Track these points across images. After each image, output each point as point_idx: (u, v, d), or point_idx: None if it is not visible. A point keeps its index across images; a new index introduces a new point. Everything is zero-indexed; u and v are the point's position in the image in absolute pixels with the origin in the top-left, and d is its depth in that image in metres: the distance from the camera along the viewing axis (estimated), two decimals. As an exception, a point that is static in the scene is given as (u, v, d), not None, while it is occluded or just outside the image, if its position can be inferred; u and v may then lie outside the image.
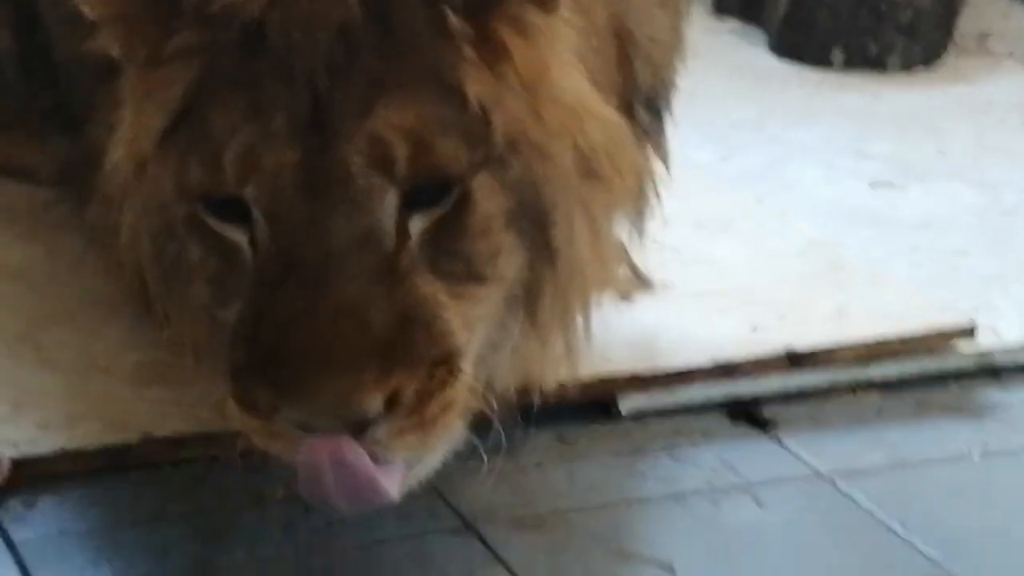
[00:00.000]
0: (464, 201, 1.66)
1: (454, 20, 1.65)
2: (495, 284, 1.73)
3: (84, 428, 1.95)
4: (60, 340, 2.13)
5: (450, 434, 1.71)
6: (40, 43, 2.45)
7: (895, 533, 1.91)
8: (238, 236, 1.67)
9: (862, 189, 2.83)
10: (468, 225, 1.67)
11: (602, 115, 1.79)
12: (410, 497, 1.81)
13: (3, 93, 2.61)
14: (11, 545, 1.80)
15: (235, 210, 1.67)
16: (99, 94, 2.12)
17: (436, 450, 1.72)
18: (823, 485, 2.00)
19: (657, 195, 2.03)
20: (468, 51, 1.66)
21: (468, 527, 1.88)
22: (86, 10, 1.72)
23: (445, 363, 1.65)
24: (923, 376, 2.25)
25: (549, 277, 1.77)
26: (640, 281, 2.26)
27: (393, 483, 1.66)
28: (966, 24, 3.62)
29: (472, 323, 1.71)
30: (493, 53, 1.68)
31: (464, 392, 1.69)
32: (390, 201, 1.64)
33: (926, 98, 3.32)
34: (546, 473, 1.99)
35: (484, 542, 1.85)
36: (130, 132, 1.77)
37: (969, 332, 2.27)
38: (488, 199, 1.68)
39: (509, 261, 1.73)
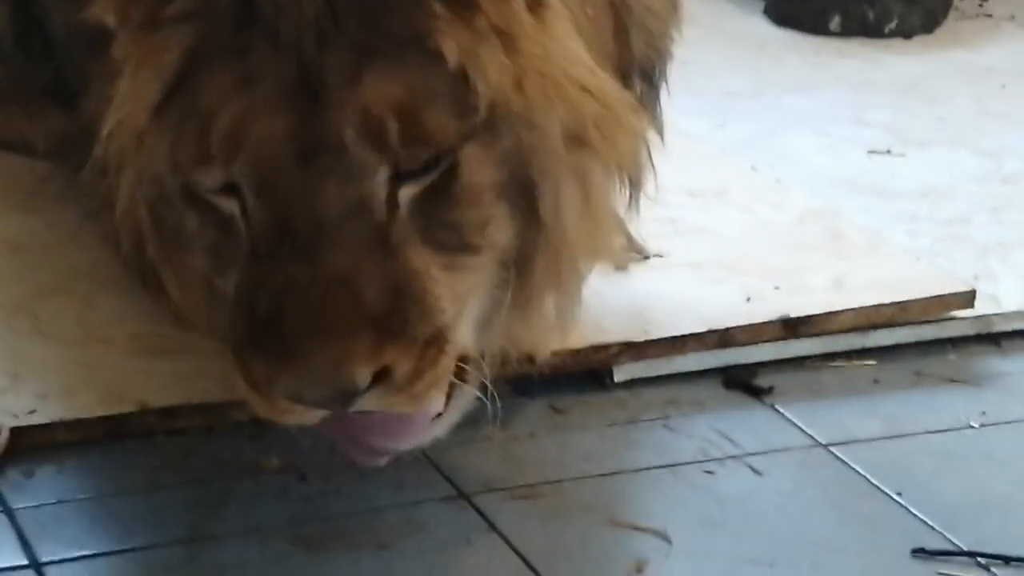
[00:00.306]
0: (453, 170, 1.67)
1: None
2: (486, 254, 1.73)
3: (82, 398, 1.95)
4: (57, 311, 2.14)
5: (466, 393, 1.76)
6: (35, 16, 2.45)
7: (894, 502, 1.92)
8: (232, 206, 1.68)
9: (860, 157, 2.82)
10: (457, 195, 1.68)
11: (594, 84, 1.78)
12: (403, 466, 1.85)
13: (4, 65, 2.61)
14: (10, 514, 1.81)
15: (228, 182, 1.68)
16: (94, 66, 2.13)
17: (459, 403, 1.76)
18: (820, 454, 2.01)
19: (652, 165, 2.02)
20: (440, 8, 1.65)
21: (461, 496, 1.88)
22: None
23: (435, 342, 1.66)
24: (921, 344, 2.25)
25: (540, 247, 1.77)
26: (635, 250, 2.27)
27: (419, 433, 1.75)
28: None
29: (463, 295, 1.72)
30: (466, 8, 1.67)
31: (451, 364, 1.70)
32: (381, 173, 1.64)
33: (925, 64, 3.32)
34: (539, 443, 2.00)
35: (478, 511, 1.86)
36: (125, 101, 1.76)
37: (968, 299, 2.28)
38: (477, 170, 1.68)
39: (500, 231, 1.73)
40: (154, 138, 1.73)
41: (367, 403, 1.64)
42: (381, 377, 1.62)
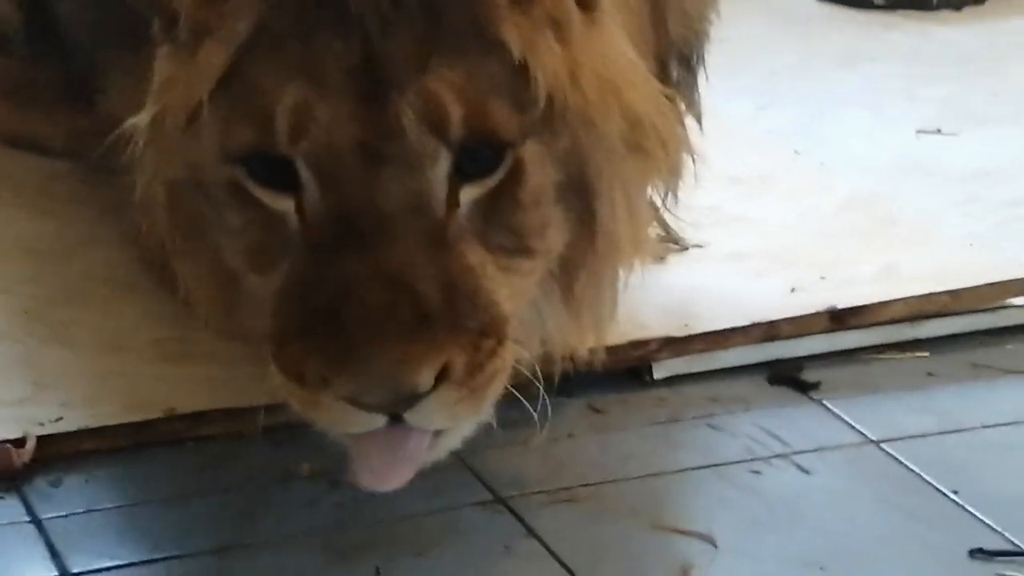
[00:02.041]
0: (516, 172, 1.69)
1: None
2: (542, 258, 1.76)
3: (106, 406, 1.97)
4: (77, 317, 2.15)
5: (488, 407, 1.73)
6: (48, 13, 2.46)
7: (949, 500, 1.92)
8: (283, 203, 1.69)
9: (909, 137, 2.83)
10: (520, 197, 1.70)
11: (647, 88, 1.80)
12: (439, 470, 1.83)
13: (17, 63, 2.62)
14: (39, 524, 1.83)
15: (281, 177, 1.68)
16: (111, 63, 2.17)
17: (468, 422, 1.75)
18: (871, 451, 2.02)
19: (692, 156, 2.02)
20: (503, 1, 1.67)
21: (498, 500, 1.90)
22: None
23: (492, 334, 1.68)
24: (976, 334, 2.26)
25: (588, 251, 1.80)
26: (673, 241, 2.29)
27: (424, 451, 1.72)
28: None
29: (517, 296, 1.74)
30: (528, 3, 1.68)
31: (510, 361, 1.71)
32: (442, 164, 1.66)
33: (977, 36, 3.31)
34: (578, 443, 2.01)
35: (516, 515, 1.87)
36: (181, 77, 1.74)
37: None
38: (539, 170, 1.71)
39: (556, 235, 1.76)
40: (206, 121, 1.71)
41: (429, 405, 1.64)
42: (442, 377, 1.63)
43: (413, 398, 1.63)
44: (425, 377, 1.62)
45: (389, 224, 1.64)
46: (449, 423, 1.70)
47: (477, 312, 1.67)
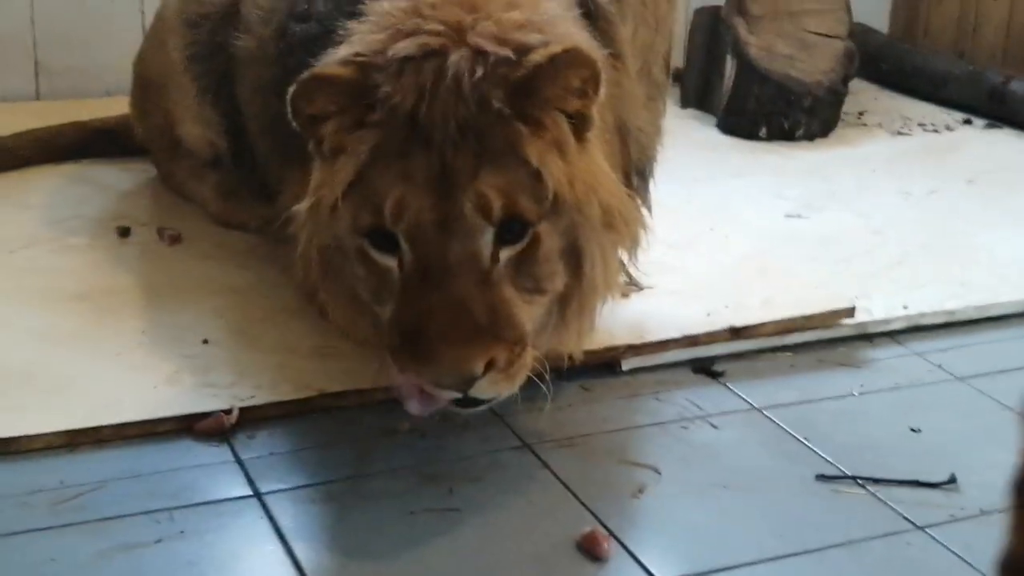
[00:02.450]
0: (535, 240, 1.69)
1: (508, 110, 1.66)
2: (549, 295, 1.75)
3: (282, 388, 1.96)
4: (264, 332, 2.14)
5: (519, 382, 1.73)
6: (245, 142, 2.45)
7: (803, 444, 1.93)
8: (389, 261, 1.69)
9: (780, 219, 2.81)
10: (537, 256, 1.69)
11: (616, 189, 1.79)
12: (486, 425, 1.85)
13: (226, 175, 2.61)
14: (240, 462, 1.82)
15: (388, 244, 1.69)
16: (285, 177, 2.16)
17: (504, 392, 1.72)
18: (756, 415, 2.01)
19: (645, 231, 2.00)
20: (523, 128, 1.66)
21: (525, 445, 1.89)
22: (312, 109, 1.68)
23: (520, 342, 1.68)
24: (821, 341, 2.25)
25: (576, 292, 1.78)
26: (634, 284, 2.27)
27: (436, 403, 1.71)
28: (849, 106, 3.59)
29: (534, 318, 1.74)
30: (538, 127, 1.68)
31: (531, 358, 1.71)
32: (488, 235, 1.66)
33: (822, 157, 3.29)
34: (575, 410, 2.00)
35: (536, 455, 1.87)
36: (325, 180, 1.72)
37: (851, 312, 2.27)
38: (549, 239, 1.70)
39: (559, 280, 1.75)
40: (341, 210, 1.71)
41: (481, 385, 1.64)
42: (489, 367, 1.63)
43: (471, 380, 1.63)
44: (478, 368, 1.62)
45: (455, 271, 1.63)
46: (495, 395, 1.69)
47: (510, 328, 1.66)
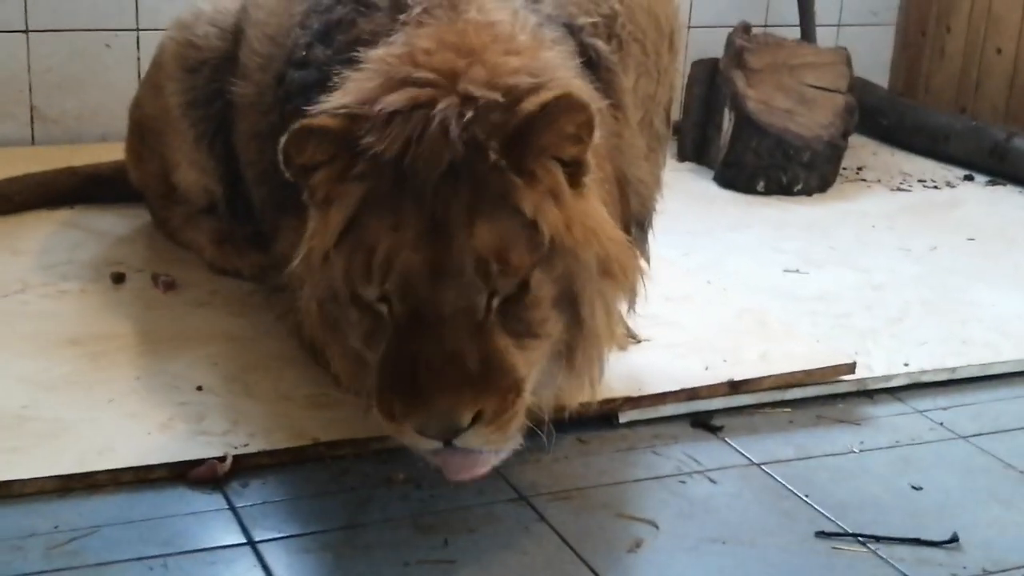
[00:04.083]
0: (524, 285, 1.67)
1: (503, 162, 1.64)
2: (545, 340, 1.73)
3: (276, 436, 1.96)
4: (259, 381, 2.13)
5: (516, 436, 1.71)
6: (242, 190, 2.46)
7: (803, 500, 1.93)
8: (381, 307, 1.68)
9: (778, 273, 2.82)
10: (526, 301, 1.68)
11: (615, 235, 1.78)
12: (484, 477, 1.82)
13: (221, 221, 2.62)
14: (234, 510, 1.83)
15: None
16: (281, 224, 2.16)
17: (508, 446, 1.72)
18: (754, 470, 2.01)
19: (643, 283, 1.98)
20: (516, 178, 1.65)
21: (521, 497, 1.89)
22: (302, 159, 1.68)
23: (513, 390, 1.65)
24: (820, 397, 2.25)
25: (579, 340, 1.76)
26: (632, 337, 2.28)
27: (484, 465, 1.71)
28: (848, 160, 3.61)
29: (531, 364, 1.71)
30: (531, 177, 1.66)
31: (524, 409, 1.69)
32: (485, 293, 1.65)
33: (821, 211, 3.31)
34: (572, 462, 2.00)
35: (532, 508, 1.87)
36: (317, 231, 1.72)
37: (851, 368, 2.28)
38: (540, 287, 1.68)
39: (554, 326, 1.73)
40: (333, 259, 1.71)
41: (468, 436, 1.63)
42: (477, 418, 1.61)
43: (457, 431, 1.62)
44: (464, 419, 1.61)
45: (447, 321, 1.62)
46: (485, 447, 1.67)
47: (503, 376, 1.65)
